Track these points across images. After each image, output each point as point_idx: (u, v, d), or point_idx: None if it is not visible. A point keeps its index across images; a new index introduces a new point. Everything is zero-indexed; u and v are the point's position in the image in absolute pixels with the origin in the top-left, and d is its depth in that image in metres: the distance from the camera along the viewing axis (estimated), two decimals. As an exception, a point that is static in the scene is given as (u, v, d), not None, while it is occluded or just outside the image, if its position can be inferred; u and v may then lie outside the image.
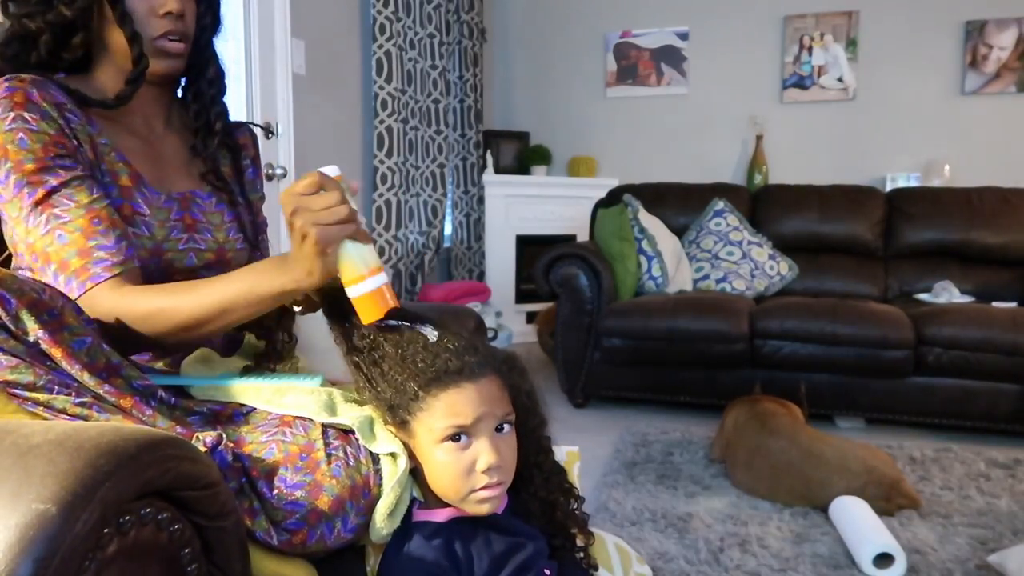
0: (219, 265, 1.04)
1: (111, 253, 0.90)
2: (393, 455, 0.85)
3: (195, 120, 1.08)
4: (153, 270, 0.97)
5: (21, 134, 0.88)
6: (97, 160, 0.95)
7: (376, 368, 0.87)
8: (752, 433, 2.11)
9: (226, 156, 1.14)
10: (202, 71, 1.08)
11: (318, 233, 0.79)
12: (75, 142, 0.92)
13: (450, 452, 0.83)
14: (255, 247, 1.15)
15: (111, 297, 0.87)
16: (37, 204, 0.88)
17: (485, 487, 0.83)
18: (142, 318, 0.86)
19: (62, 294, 0.77)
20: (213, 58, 1.09)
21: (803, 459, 1.96)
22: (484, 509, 0.84)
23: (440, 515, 0.87)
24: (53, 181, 0.89)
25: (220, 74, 1.10)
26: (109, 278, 0.88)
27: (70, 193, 0.89)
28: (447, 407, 0.82)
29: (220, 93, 1.10)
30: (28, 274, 0.90)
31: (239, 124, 1.20)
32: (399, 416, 0.85)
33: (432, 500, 0.88)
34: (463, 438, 0.83)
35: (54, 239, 0.88)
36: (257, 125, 1.29)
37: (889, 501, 1.90)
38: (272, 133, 2.45)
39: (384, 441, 0.86)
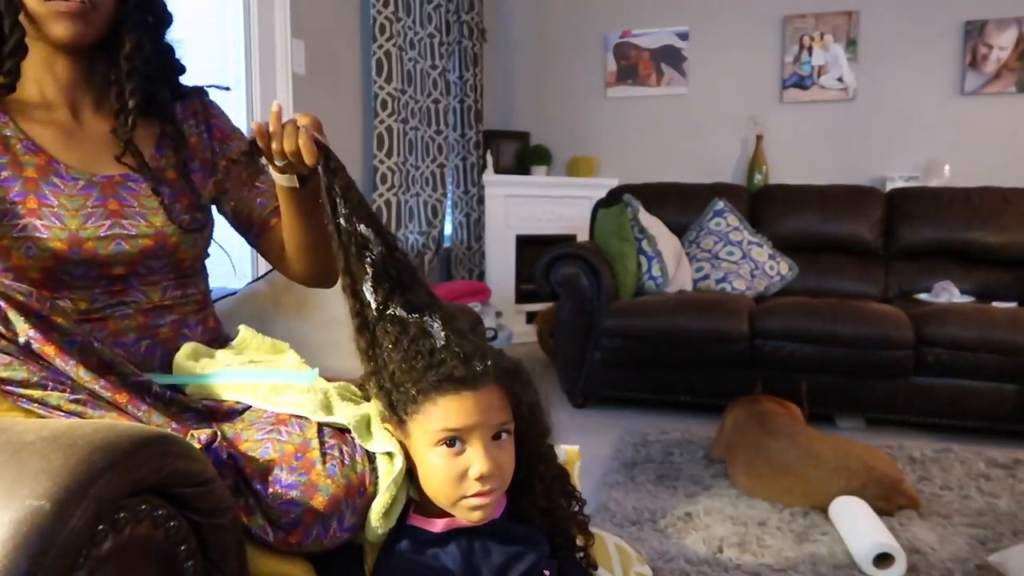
0: (161, 252, 0.99)
1: None
2: (390, 454, 0.84)
3: (116, 100, 1.00)
4: (77, 262, 0.93)
5: None
6: None
7: (381, 358, 0.87)
8: (752, 433, 2.11)
9: (166, 135, 1.07)
10: (119, 46, 0.99)
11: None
12: None
13: (443, 456, 0.82)
14: (204, 226, 1.08)
15: None
16: None
17: (476, 494, 0.82)
18: None
19: (48, 298, 0.76)
20: (135, 31, 0.99)
21: (803, 459, 1.96)
22: (475, 516, 0.83)
23: (437, 525, 0.86)
24: None
25: (140, 48, 1.00)
26: None
27: None
28: (444, 412, 0.81)
29: (137, 69, 1.00)
30: None
31: (182, 94, 1.12)
32: (397, 413, 0.84)
33: (428, 503, 0.87)
34: (457, 443, 0.82)
35: None
36: (212, 87, 1.18)
37: (889, 501, 1.89)
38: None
39: (381, 440, 0.85)
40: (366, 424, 0.87)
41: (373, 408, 0.90)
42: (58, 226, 0.92)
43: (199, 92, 1.14)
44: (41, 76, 0.98)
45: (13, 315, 0.71)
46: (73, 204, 0.94)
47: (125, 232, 0.96)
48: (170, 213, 1.01)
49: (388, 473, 0.83)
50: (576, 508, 0.95)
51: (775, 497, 1.99)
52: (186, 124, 1.11)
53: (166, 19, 1.06)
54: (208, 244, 1.10)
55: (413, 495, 0.88)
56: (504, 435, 0.85)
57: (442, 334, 0.87)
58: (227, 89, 1.24)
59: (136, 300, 0.98)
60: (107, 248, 0.95)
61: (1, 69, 0.93)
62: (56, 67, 0.98)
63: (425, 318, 0.89)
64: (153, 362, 0.96)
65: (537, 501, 0.91)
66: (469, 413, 0.81)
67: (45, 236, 0.91)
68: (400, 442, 0.86)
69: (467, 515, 0.84)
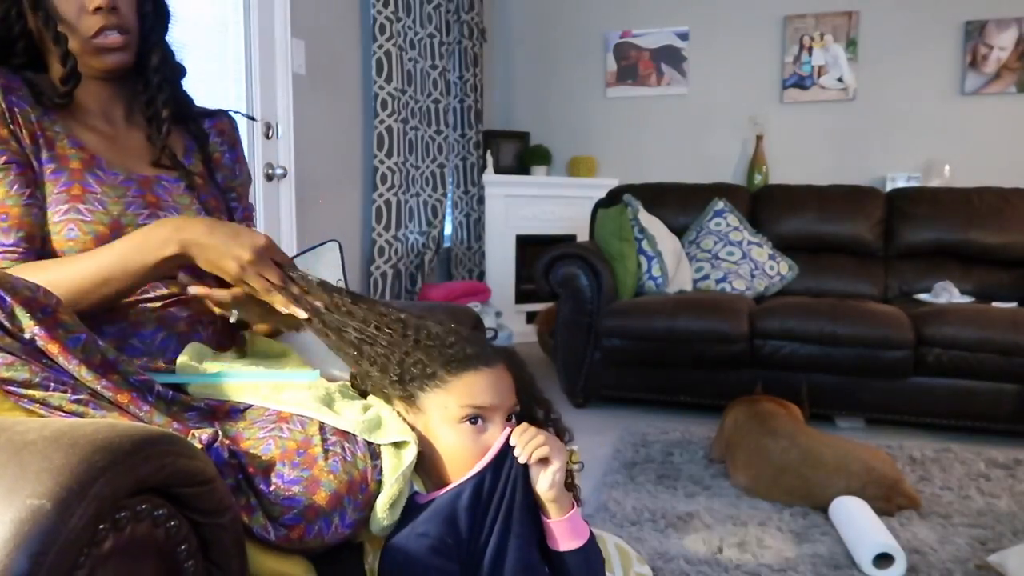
0: None
1: (5, 249, 0.92)
2: (396, 445, 0.85)
3: (146, 109, 1.09)
4: None
5: None
6: (39, 147, 0.96)
7: (373, 347, 0.89)
8: (752, 433, 2.11)
9: (192, 144, 1.15)
10: (147, 60, 1.07)
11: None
12: (12, 128, 0.94)
13: (465, 433, 0.85)
14: None
15: None
16: None
17: None
18: None
19: (54, 294, 0.77)
20: (158, 46, 1.08)
21: (803, 459, 1.96)
22: None
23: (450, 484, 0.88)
24: None
25: (165, 61, 1.09)
26: None
27: None
28: (466, 388, 0.85)
29: (166, 80, 1.09)
30: None
31: (213, 112, 1.21)
32: (408, 389, 0.86)
33: (435, 484, 0.89)
34: (479, 421, 0.85)
35: None
36: (239, 113, 1.28)
37: (889, 501, 1.89)
38: (272, 133, 2.46)
39: (395, 430, 0.86)
40: (376, 423, 0.87)
41: (380, 402, 0.92)
42: (101, 210, 0.97)
43: (226, 114, 1.23)
44: (79, 92, 1.03)
45: (19, 311, 0.71)
46: (116, 192, 0.99)
47: None
48: (199, 213, 1.06)
49: (395, 467, 0.84)
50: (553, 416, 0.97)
51: (775, 497, 1.99)
52: (212, 139, 1.18)
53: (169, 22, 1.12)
54: None
55: (419, 488, 0.89)
56: (513, 418, 0.89)
57: (437, 328, 0.91)
58: (253, 119, 1.32)
59: (160, 291, 1.01)
60: None
61: (59, 95, 0.99)
62: (91, 85, 1.03)
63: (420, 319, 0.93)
64: (167, 354, 0.98)
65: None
66: (492, 391, 0.86)
67: (89, 219, 0.96)
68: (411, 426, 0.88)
69: None
